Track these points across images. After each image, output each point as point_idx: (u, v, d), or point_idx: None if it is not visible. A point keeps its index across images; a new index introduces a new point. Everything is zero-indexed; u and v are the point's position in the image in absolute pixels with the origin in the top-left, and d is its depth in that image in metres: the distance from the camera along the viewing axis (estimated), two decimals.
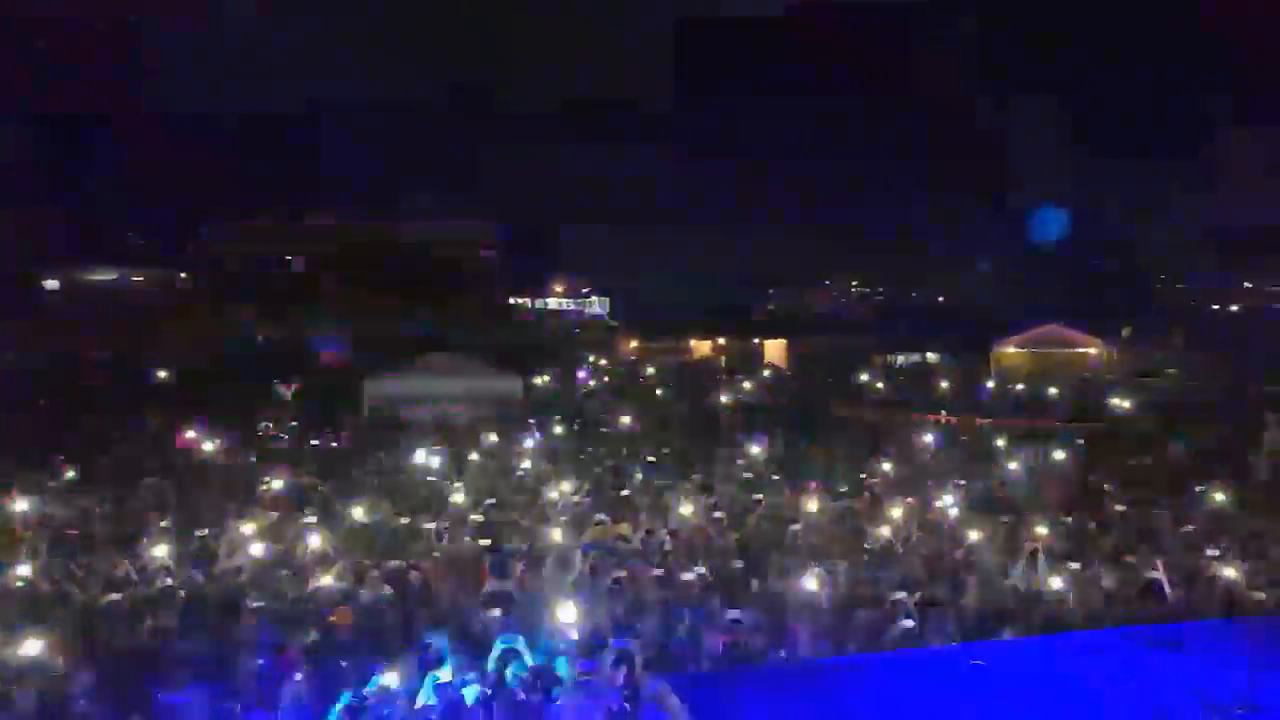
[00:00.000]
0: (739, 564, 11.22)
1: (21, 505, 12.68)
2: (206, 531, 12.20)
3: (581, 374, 37.92)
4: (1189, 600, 10.03)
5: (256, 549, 11.26)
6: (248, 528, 12.07)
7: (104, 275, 57.25)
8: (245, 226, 58.52)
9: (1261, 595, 10.08)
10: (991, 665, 3.03)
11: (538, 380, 31.28)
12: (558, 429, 22.12)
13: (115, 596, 9.47)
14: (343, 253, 57.83)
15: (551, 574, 10.99)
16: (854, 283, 71.34)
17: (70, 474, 15.00)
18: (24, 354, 33.74)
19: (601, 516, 13.60)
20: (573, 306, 74.50)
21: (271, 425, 21.71)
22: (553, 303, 74.06)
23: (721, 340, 57.76)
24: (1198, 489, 15.03)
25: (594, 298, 75.41)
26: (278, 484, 14.74)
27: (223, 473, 16.31)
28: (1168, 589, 10.06)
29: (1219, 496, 14.42)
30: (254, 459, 17.28)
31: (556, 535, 12.17)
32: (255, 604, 9.37)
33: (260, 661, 8.16)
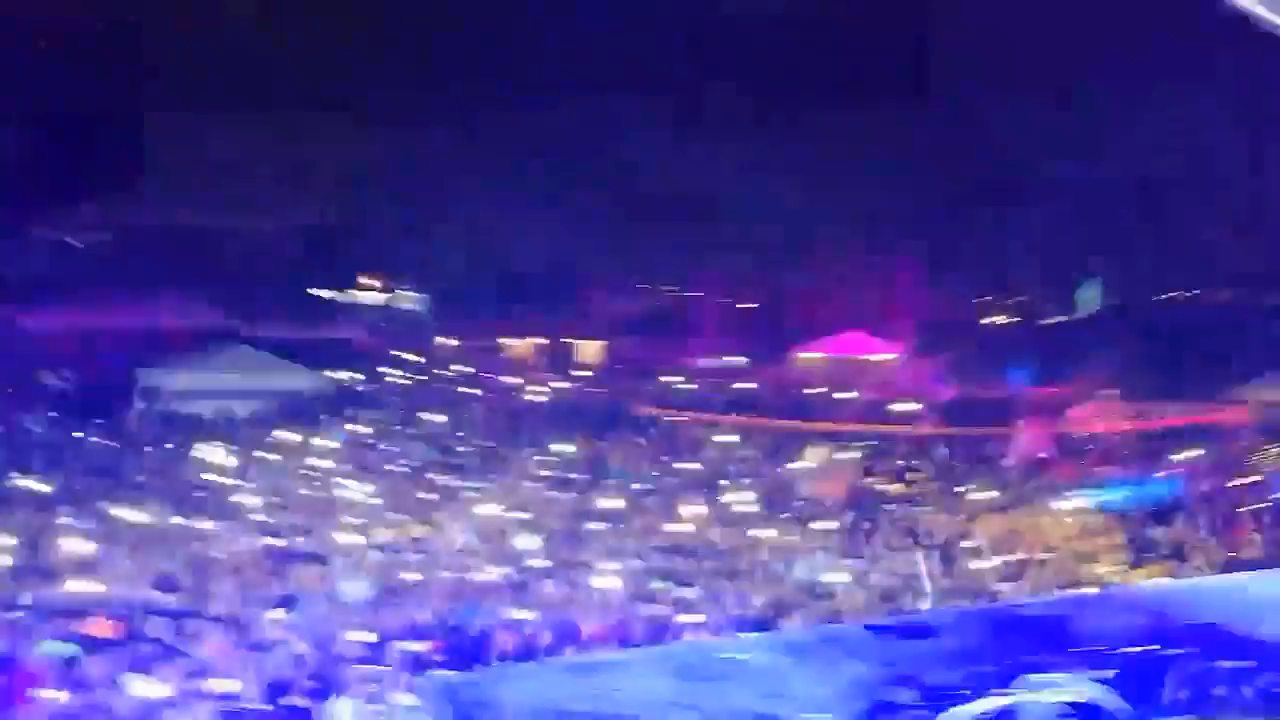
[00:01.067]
0: (536, 563, 11.22)
1: None
2: None
3: (387, 368, 36.60)
4: (947, 592, 10.92)
5: None
6: None
7: None
8: None
9: (1009, 585, 11.11)
10: (762, 656, 3.14)
11: (336, 375, 29.99)
12: (356, 426, 21.30)
13: None
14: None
15: (342, 575, 10.65)
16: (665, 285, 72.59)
17: None
18: None
19: (397, 516, 13.32)
20: (382, 299, 71.70)
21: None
22: (361, 295, 70.97)
23: (535, 340, 57.29)
24: (958, 490, 16.35)
25: (405, 291, 72.82)
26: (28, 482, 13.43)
27: None
28: (928, 583, 10.92)
29: (978, 496, 15.75)
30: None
31: (348, 536, 11.77)
32: None
33: None
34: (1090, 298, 38.44)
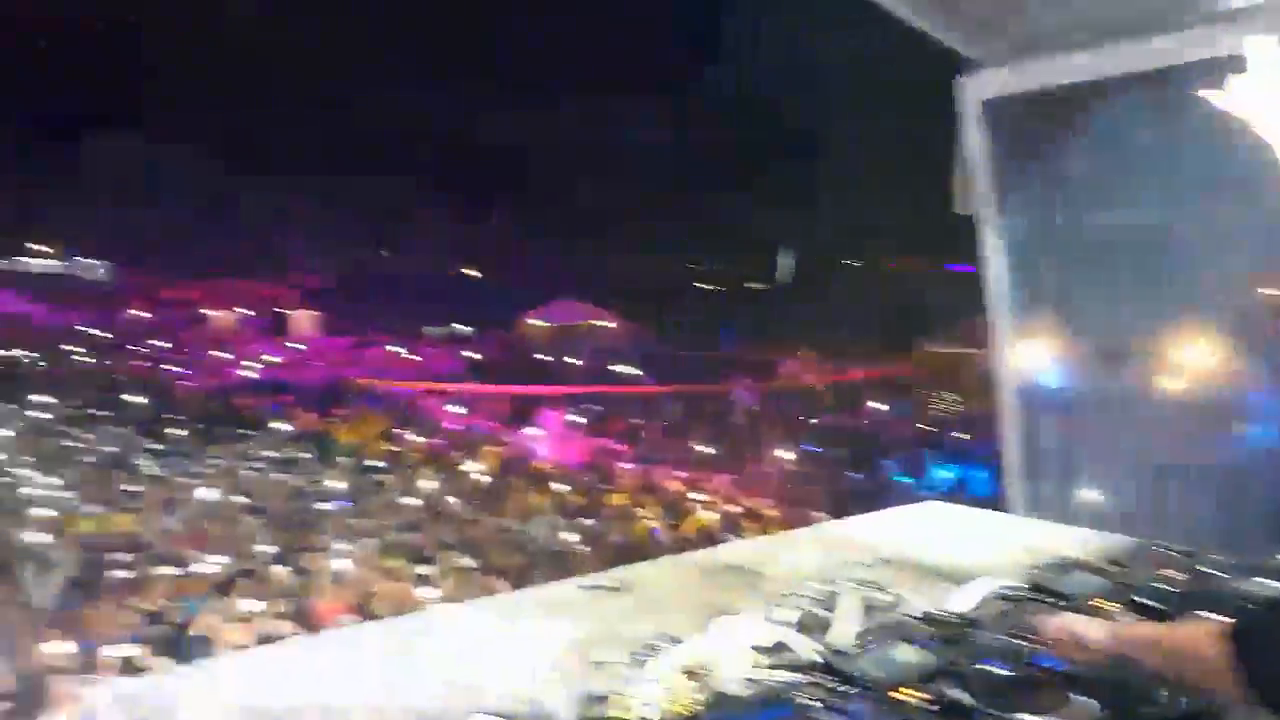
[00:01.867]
0: (266, 548, 10.65)
1: None
2: None
3: (76, 348, 32.80)
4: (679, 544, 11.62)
5: None
6: None
7: None
8: None
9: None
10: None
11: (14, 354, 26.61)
12: (40, 412, 18.98)
13: None
14: None
15: (32, 577, 9.54)
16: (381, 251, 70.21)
17: None
18: None
19: (95, 509, 12.10)
20: (59, 266, 63.98)
21: None
22: (32, 263, 62.96)
23: (246, 311, 53.58)
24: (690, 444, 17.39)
25: (86, 260, 65.46)
26: None
27: None
28: (661, 536, 11.56)
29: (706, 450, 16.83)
30: None
31: (33, 534, 10.54)
32: None
33: None
34: (787, 267, 42.36)
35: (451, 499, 13.30)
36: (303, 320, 50.70)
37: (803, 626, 1.97)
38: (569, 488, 14.55)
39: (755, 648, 1.82)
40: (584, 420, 20.88)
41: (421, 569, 10.09)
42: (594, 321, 39.88)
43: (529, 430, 19.18)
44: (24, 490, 12.55)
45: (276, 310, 51.80)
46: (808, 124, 38.81)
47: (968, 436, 17.12)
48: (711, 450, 17.54)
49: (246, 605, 9.01)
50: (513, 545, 11.62)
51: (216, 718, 1.67)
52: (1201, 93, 1.57)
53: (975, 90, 4.30)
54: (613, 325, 38.91)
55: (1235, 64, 1.50)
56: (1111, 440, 4.57)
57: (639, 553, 11.47)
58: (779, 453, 17.24)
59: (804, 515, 12.78)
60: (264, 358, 32.12)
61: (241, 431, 18.22)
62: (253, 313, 52.84)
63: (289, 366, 32.23)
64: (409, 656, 1.94)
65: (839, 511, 13.36)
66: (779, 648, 1.84)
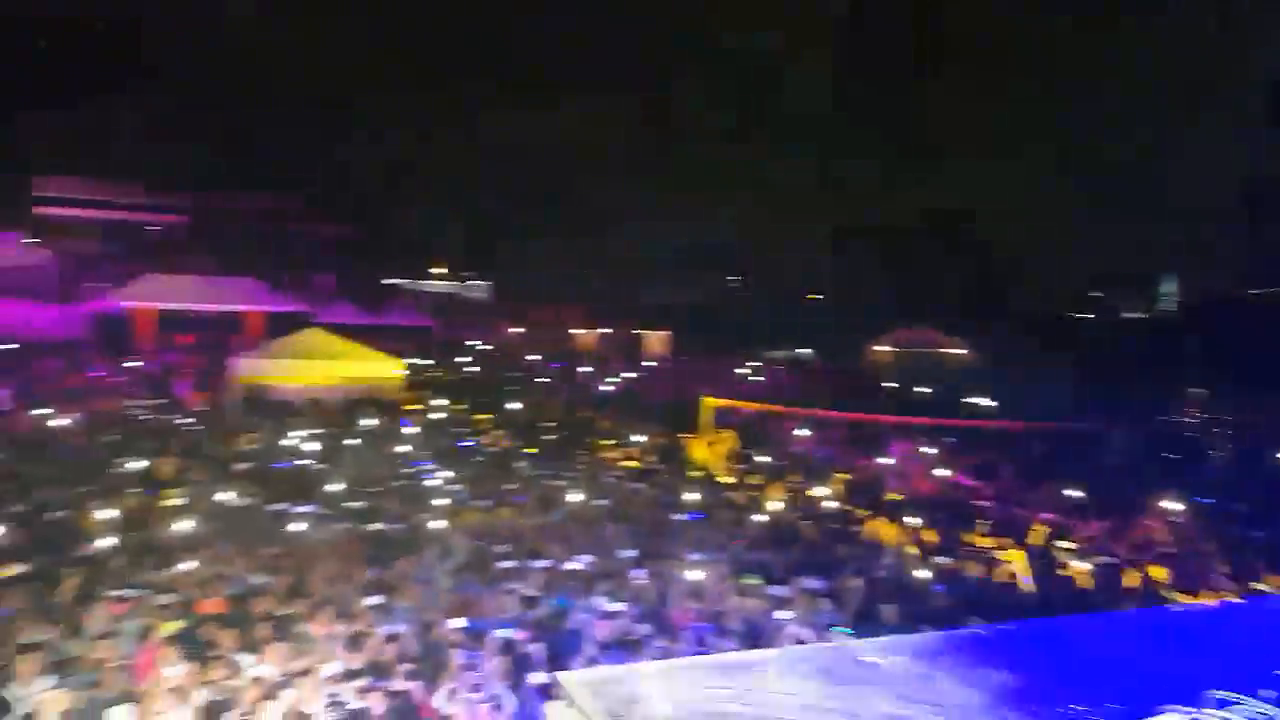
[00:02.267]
0: (625, 553, 11.23)
1: None
2: (61, 514, 11.41)
3: (460, 358, 37.31)
4: (1044, 594, 10.65)
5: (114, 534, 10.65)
6: (106, 511, 11.34)
7: None
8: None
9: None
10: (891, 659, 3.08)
11: (416, 362, 30.59)
12: (436, 415, 21.70)
13: None
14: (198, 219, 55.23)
15: (433, 562, 10.79)
16: (728, 276, 72.36)
17: None
18: None
19: (483, 504, 13.48)
20: (452, 287, 73.09)
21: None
22: (432, 284, 72.46)
23: (603, 329, 57.87)
24: (1057, 484, 15.90)
25: (474, 280, 74.18)
26: (138, 464, 13.90)
27: (73, 452, 15.20)
28: (1025, 582, 10.65)
29: (1075, 494, 15.28)
30: (114, 437, 16.17)
31: (437, 523, 11.92)
32: (118, 590, 8.86)
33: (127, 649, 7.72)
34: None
35: (803, 522, 13.23)
36: (654, 341, 53.74)
37: None
38: (919, 520, 13.92)
39: None
40: (935, 452, 19.95)
41: (773, 589, 10.09)
42: (945, 349, 38.17)
43: (879, 459, 18.66)
44: (427, 482, 14.31)
45: (632, 331, 55.54)
46: None
47: None
48: (1080, 493, 15.92)
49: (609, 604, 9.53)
50: (858, 575, 11.29)
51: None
52: None
53: None
54: (965, 353, 36.98)
55: None
56: None
57: (1000, 598, 10.68)
58: (1163, 502, 15.29)
59: (1202, 573, 11.24)
60: (622, 375, 34.18)
61: (602, 441, 19.54)
62: (609, 331, 56.98)
63: (642, 382, 34.14)
64: (848, 686, 1.89)
65: (1244, 574, 11.61)
66: None
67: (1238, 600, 9.98)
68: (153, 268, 37.95)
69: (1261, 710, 2.65)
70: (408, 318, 47.24)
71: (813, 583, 10.43)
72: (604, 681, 2.13)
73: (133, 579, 9.37)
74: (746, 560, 11.33)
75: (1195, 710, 2.75)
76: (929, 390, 29.39)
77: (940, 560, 11.78)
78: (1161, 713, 2.81)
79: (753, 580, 10.16)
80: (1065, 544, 12.68)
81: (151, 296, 34.98)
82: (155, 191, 54.43)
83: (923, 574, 11.05)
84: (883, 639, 3.75)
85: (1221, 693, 2.78)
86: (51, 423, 16.66)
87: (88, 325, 33.60)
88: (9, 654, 7.20)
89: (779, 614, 9.15)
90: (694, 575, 10.09)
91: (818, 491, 15.04)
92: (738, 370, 36.43)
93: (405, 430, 18.80)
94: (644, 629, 8.87)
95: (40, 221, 51.89)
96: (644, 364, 41.10)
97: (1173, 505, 14.59)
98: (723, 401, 26.86)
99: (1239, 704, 2.78)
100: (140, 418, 18.65)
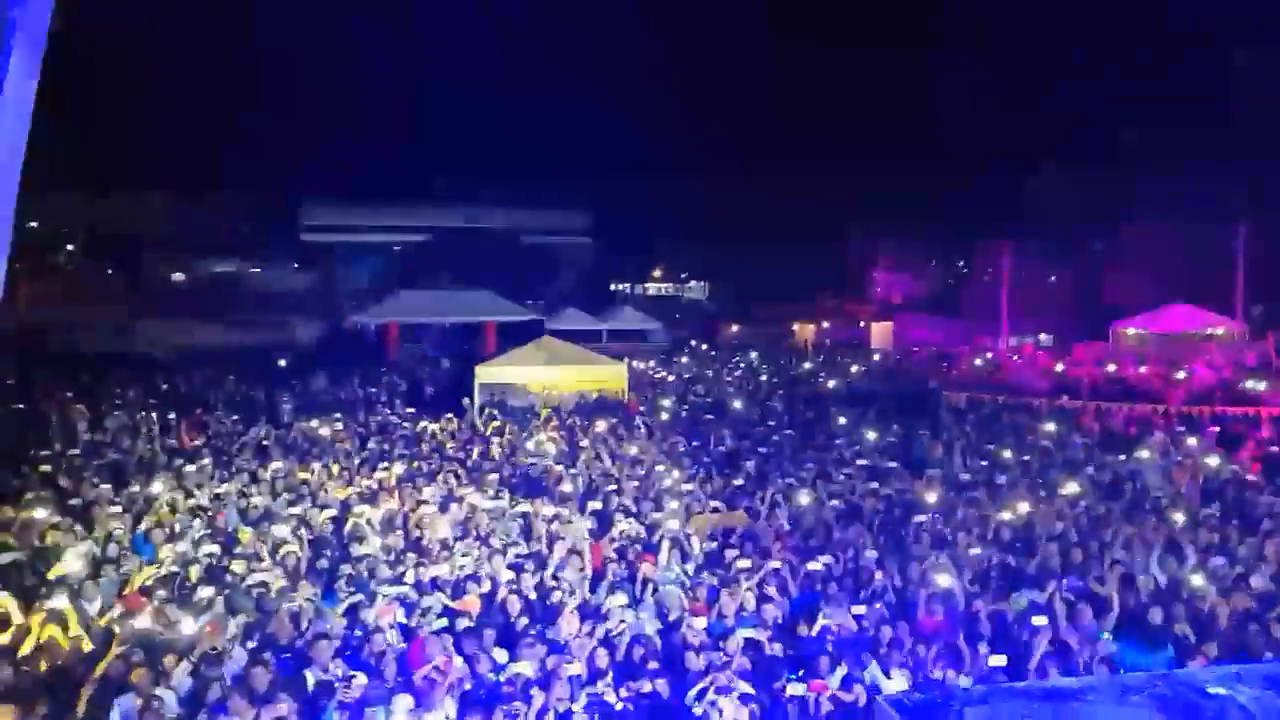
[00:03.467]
0: (867, 554, 10.95)
1: (164, 489, 13.21)
2: (334, 514, 12.51)
3: (684, 359, 37.97)
4: None
5: (379, 534, 11.57)
6: (370, 512, 12.33)
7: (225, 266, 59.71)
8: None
9: None
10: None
11: (639, 366, 31.39)
12: (664, 416, 22.13)
13: (262, 576, 9.76)
14: (437, 241, 59.34)
15: (669, 560, 10.97)
16: (960, 262, 69.01)
17: (206, 461, 15.39)
18: (158, 347, 35.49)
19: (716, 504, 13.56)
20: (671, 291, 74.44)
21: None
22: (651, 288, 74.10)
23: (825, 324, 57.06)
24: None
25: (692, 282, 75.20)
26: (398, 468, 15.01)
27: (334, 455, 16.51)
28: None
29: None
30: (373, 443, 17.56)
31: (673, 522, 12.11)
32: (383, 589, 9.60)
33: (394, 645, 8.34)
34: None
35: (1053, 520, 12.37)
36: (879, 333, 52.33)
37: None
38: (1183, 517, 12.68)
39: None
40: (1199, 442, 18.13)
41: (1028, 593, 9.51)
42: (1215, 329, 34.58)
43: (1135, 452, 17.18)
44: (664, 482, 14.57)
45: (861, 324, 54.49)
46: None
47: None
48: None
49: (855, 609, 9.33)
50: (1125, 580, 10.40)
51: None
52: None
53: None
54: (1239, 332, 33.32)
55: None
56: None
57: None
58: None
59: None
60: (852, 368, 33.53)
61: (830, 440, 19.15)
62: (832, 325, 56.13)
63: (869, 375, 33.29)
64: None
65: None
66: None
67: None
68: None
69: None
70: (632, 322, 48.60)
71: (1071, 584, 9.75)
72: (925, 709, 2.05)
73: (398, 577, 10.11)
74: (993, 562, 10.75)
75: None
76: (1193, 373, 26.70)
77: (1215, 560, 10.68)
78: None
79: (1016, 592, 9.62)
80: None
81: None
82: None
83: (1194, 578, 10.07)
84: (1232, 668, 3.39)
85: None
86: None
87: None
88: None
89: (1035, 620, 8.59)
90: (941, 579, 9.68)
91: (1067, 489, 14.02)
92: (975, 361, 34.84)
93: (635, 430, 19.31)
94: (890, 633, 8.60)
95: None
96: (872, 357, 40.09)
97: None
98: (957, 394, 25.71)
99: None
100: None
